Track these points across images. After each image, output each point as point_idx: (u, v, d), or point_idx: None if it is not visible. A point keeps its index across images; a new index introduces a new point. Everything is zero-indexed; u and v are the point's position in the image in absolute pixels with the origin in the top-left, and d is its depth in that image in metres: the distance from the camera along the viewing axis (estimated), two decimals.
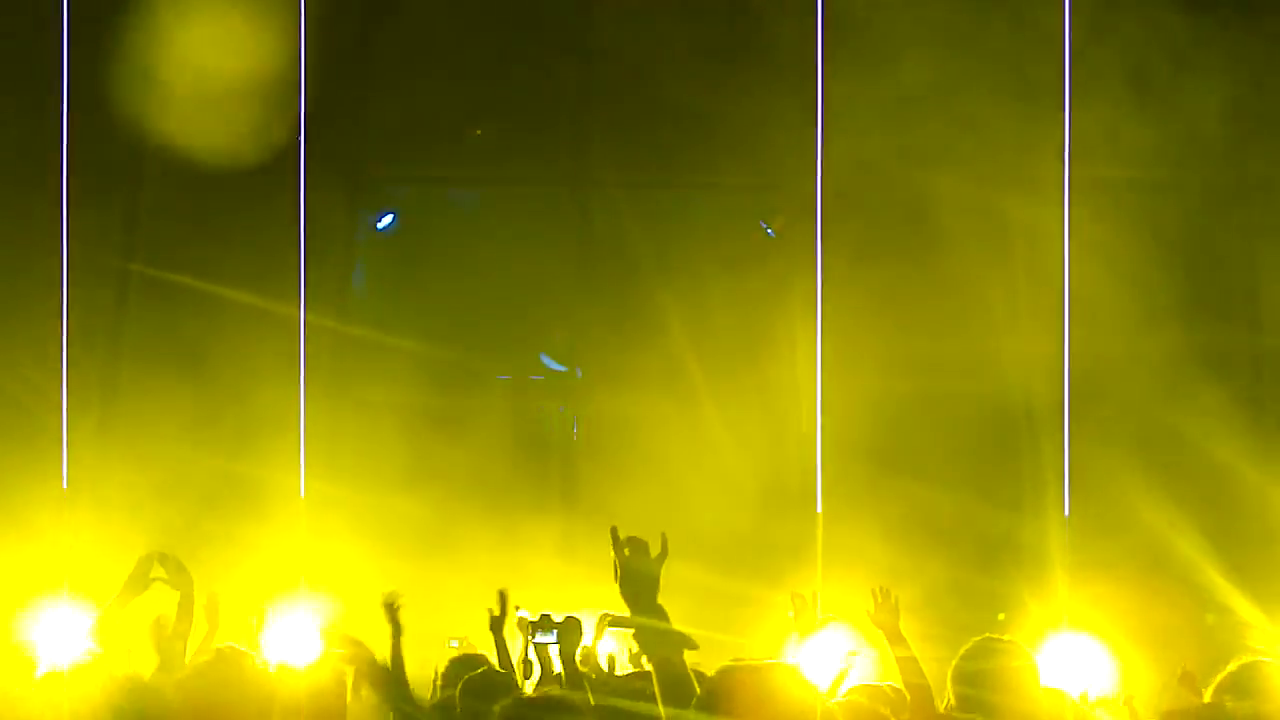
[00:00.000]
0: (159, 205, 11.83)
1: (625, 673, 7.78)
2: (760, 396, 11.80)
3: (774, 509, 11.45)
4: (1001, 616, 11.12)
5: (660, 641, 4.36)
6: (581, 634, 6.76)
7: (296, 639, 10.09)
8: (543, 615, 7.02)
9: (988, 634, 5.16)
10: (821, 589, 8.56)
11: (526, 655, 7.26)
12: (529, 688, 6.98)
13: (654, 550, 4.31)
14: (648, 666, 7.42)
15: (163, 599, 6.95)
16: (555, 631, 6.71)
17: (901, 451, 11.49)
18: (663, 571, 4.33)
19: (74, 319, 11.20)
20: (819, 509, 11.09)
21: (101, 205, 11.62)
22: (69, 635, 8.60)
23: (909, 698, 5.84)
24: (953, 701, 5.09)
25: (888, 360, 11.32)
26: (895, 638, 6.04)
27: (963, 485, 11.36)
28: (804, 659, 7.01)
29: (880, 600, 6.12)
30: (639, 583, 4.28)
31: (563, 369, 12.58)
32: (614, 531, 4.28)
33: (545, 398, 12.60)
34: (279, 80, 11.50)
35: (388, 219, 12.78)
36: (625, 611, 6.34)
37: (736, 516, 11.19)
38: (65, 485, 10.96)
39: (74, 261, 11.23)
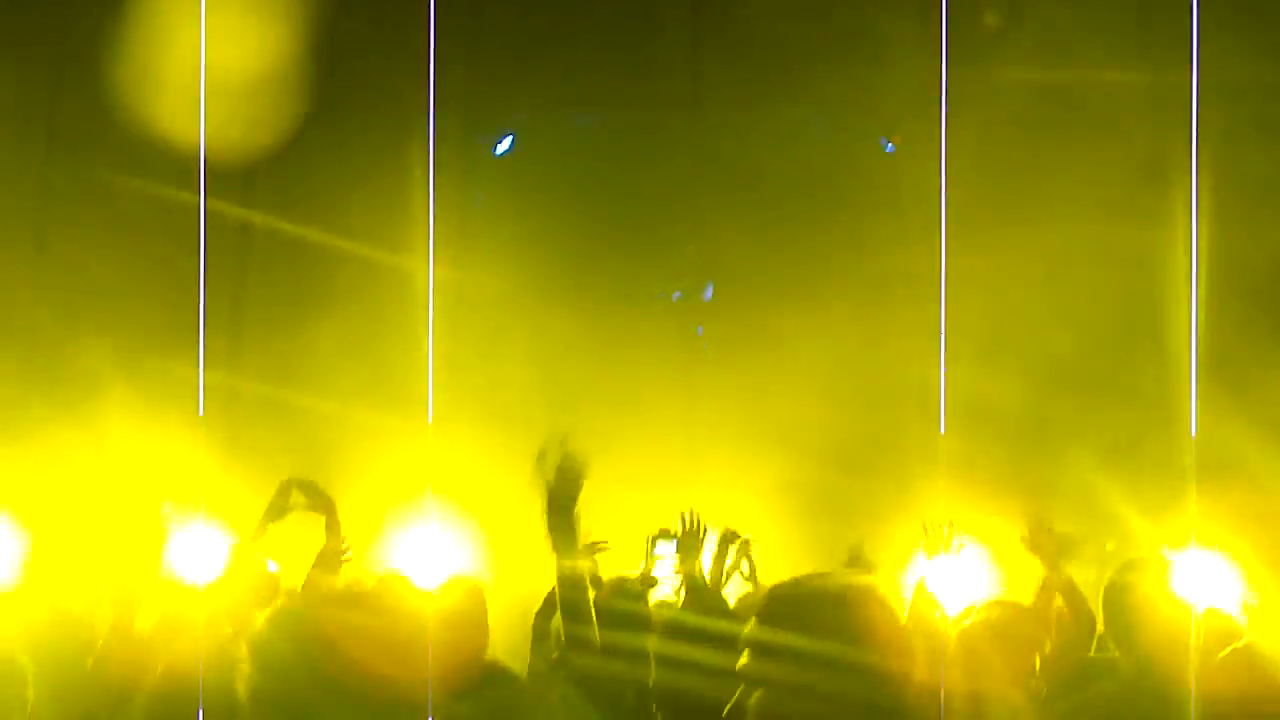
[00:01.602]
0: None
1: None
2: (888, 308, 11.87)
3: (899, 418, 11.52)
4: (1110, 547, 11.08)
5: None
6: (702, 543, 6.84)
7: (426, 559, 10.30)
8: (661, 529, 7.11)
9: (1132, 555, 5.23)
10: (948, 507, 8.62)
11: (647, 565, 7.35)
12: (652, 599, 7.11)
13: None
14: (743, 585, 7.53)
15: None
16: (676, 542, 6.79)
17: (1023, 355, 11.49)
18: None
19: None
20: (942, 430, 11.09)
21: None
22: (212, 559, 8.84)
23: (1069, 618, 5.94)
24: (1101, 627, 5.17)
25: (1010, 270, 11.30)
26: (1053, 565, 6.18)
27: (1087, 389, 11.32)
28: (933, 578, 7.08)
29: (1038, 528, 6.26)
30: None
31: (677, 295, 12.65)
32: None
33: (671, 318, 12.68)
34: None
35: (506, 142, 12.87)
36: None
37: (865, 423, 11.28)
38: (201, 412, 11.20)
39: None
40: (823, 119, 12.78)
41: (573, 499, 5.18)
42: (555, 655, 5.78)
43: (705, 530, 6.74)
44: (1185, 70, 11.08)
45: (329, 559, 6.97)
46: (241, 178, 12.05)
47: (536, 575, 6.37)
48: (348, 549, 7.21)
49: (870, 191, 12.15)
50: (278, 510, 7.18)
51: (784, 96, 12.43)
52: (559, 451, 5.41)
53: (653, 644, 5.76)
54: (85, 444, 11.27)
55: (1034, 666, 6.01)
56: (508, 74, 12.53)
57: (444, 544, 10.67)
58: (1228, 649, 4.67)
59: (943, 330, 11.24)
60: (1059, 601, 6.60)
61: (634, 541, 8.06)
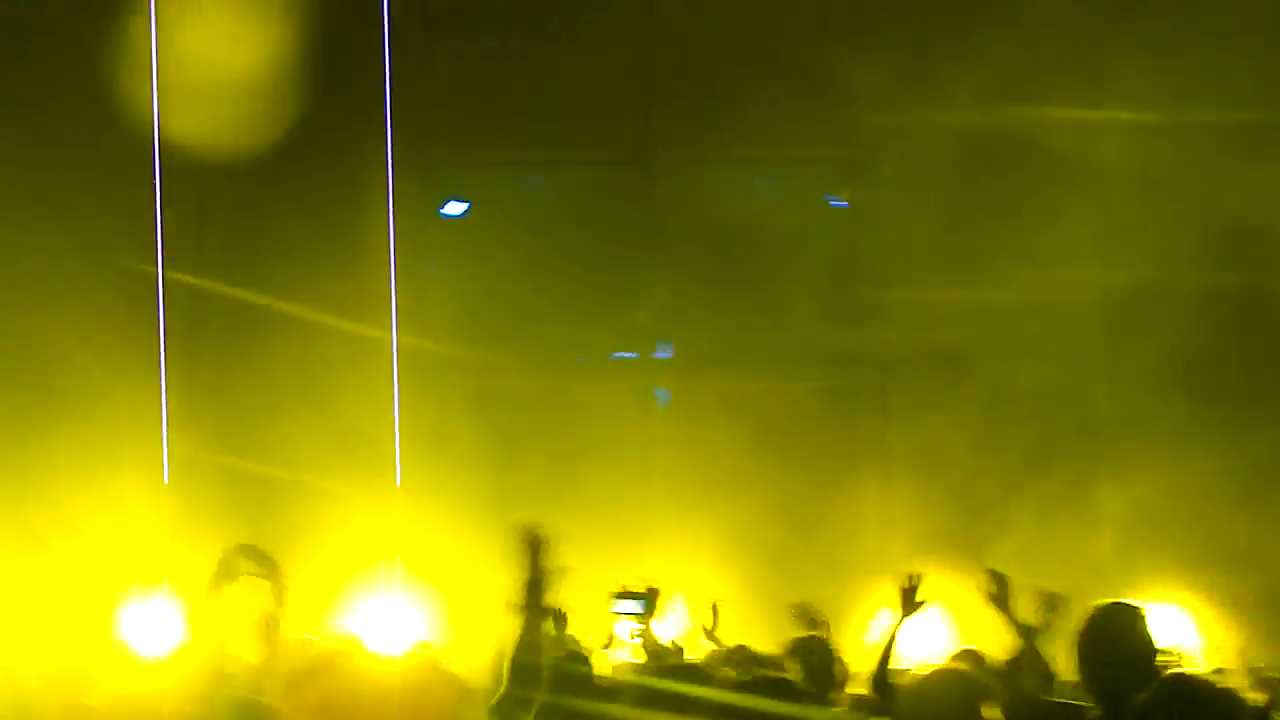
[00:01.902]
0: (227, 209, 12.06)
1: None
2: (835, 368, 11.95)
3: (852, 473, 11.59)
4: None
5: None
6: (657, 603, 6.84)
7: (385, 626, 10.27)
8: (623, 587, 7.09)
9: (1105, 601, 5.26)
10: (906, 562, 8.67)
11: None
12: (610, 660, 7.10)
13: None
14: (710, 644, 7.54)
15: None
16: (643, 601, 6.78)
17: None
18: None
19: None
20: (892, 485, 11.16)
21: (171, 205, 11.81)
22: (165, 626, 8.79)
23: (1023, 665, 6.00)
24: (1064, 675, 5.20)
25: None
26: (1011, 617, 6.27)
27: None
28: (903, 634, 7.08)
29: (996, 582, 6.33)
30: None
31: (634, 356, 12.67)
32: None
33: (625, 378, 12.70)
34: (339, 71, 11.68)
35: (457, 205, 12.90)
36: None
37: (816, 480, 11.34)
38: (166, 480, 11.17)
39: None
40: (772, 176, 12.86)
41: (544, 571, 5.27)
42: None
43: (659, 592, 6.75)
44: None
45: (272, 626, 6.93)
46: (194, 243, 12.05)
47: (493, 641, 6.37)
48: (287, 615, 7.18)
49: (821, 247, 12.22)
50: (224, 575, 7.12)
51: (733, 154, 12.51)
52: (531, 527, 5.49)
53: (616, 709, 5.76)
54: (42, 516, 11.23)
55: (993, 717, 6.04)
56: (458, 136, 12.58)
57: (405, 610, 10.65)
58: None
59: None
60: (1018, 650, 6.64)
61: (592, 604, 8.06)
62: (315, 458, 11.27)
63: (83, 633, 7.11)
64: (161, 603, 10.54)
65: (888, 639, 6.36)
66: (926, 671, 6.07)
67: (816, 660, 6.24)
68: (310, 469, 11.25)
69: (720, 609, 8.62)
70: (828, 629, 7.41)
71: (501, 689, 5.73)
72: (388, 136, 11.55)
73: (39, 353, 11.78)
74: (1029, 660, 6.45)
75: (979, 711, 3.62)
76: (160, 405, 11.32)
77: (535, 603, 5.54)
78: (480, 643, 6.72)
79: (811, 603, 7.83)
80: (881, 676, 6.07)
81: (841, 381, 12.05)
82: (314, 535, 10.78)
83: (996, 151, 11.64)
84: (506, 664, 5.71)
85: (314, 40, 11.65)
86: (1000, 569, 6.50)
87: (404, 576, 10.77)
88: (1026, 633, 6.54)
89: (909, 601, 6.54)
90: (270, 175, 11.77)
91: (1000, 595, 6.52)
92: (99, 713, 6.29)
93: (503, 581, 6.33)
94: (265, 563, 6.91)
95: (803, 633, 6.82)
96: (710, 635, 8.50)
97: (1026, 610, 6.46)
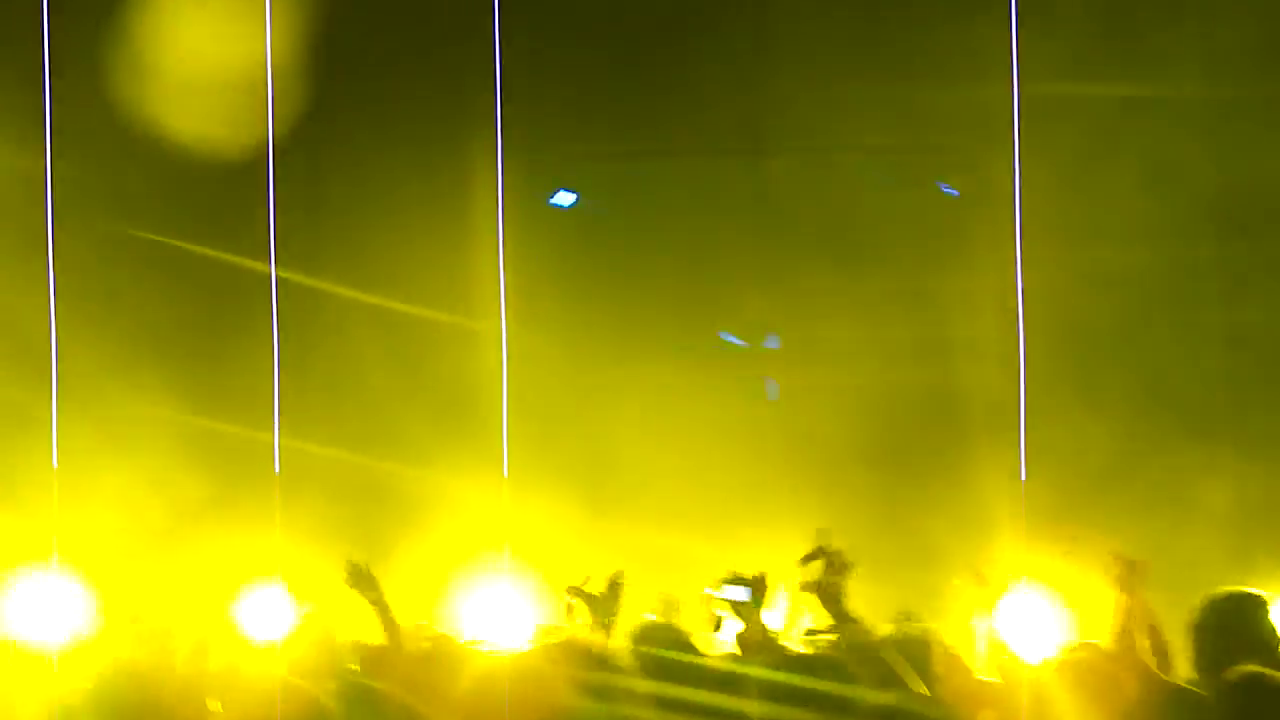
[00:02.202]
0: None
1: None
2: (947, 357, 11.83)
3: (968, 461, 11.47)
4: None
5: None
6: (767, 590, 6.79)
7: (496, 616, 10.32)
8: (731, 573, 7.05)
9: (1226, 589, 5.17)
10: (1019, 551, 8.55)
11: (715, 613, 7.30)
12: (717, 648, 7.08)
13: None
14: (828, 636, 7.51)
15: None
16: (750, 588, 6.74)
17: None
18: None
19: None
20: (1023, 476, 10.99)
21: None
22: (280, 613, 8.90)
23: (1150, 658, 5.90)
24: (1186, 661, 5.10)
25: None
26: (1136, 600, 6.13)
27: None
28: (1002, 626, 7.01)
29: (1125, 567, 6.20)
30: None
31: (744, 344, 12.65)
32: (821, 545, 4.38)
33: (734, 368, 12.68)
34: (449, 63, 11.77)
35: (566, 196, 12.93)
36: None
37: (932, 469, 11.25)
38: (277, 470, 11.32)
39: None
40: (882, 165, 12.76)
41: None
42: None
43: (766, 580, 6.70)
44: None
45: (385, 614, 7.01)
46: (307, 237, 12.18)
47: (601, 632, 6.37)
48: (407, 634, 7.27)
49: (934, 237, 12.10)
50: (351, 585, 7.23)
51: (842, 143, 12.43)
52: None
53: (714, 698, 5.75)
54: (159, 503, 11.41)
55: (1123, 708, 5.95)
56: (567, 127, 12.60)
57: (519, 602, 10.69)
58: None
59: (1023, 379, 11.17)
60: (1142, 638, 6.52)
61: (693, 595, 8.04)
62: (423, 449, 11.36)
63: (200, 621, 7.23)
64: (276, 591, 10.67)
65: (987, 633, 6.29)
66: (1056, 663, 6.00)
67: (919, 653, 6.19)
68: (418, 460, 11.34)
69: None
70: (933, 622, 7.34)
71: (610, 679, 5.73)
72: (498, 128, 11.61)
73: (141, 349, 11.98)
74: (1151, 647, 6.33)
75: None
76: (273, 398, 11.46)
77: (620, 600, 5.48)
78: (587, 633, 6.73)
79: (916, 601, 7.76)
80: (992, 669, 6.00)
81: (954, 374, 11.94)
82: (423, 526, 10.87)
83: (1109, 139, 11.48)
84: (617, 654, 5.71)
85: (425, 34, 11.75)
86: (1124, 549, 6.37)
87: (513, 566, 10.81)
88: (1148, 618, 6.40)
89: (988, 593, 6.48)
90: (380, 168, 11.87)
91: (1128, 580, 6.37)
92: (212, 690, 6.38)
93: (610, 571, 6.34)
94: (365, 580, 7.00)
95: (911, 627, 6.77)
96: (814, 631, 8.42)
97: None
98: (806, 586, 6.07)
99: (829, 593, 5.90)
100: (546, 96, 12.36)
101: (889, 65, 11.82)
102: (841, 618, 5.80)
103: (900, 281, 11.86)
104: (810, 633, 8.11)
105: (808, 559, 4.74)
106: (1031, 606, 7.25)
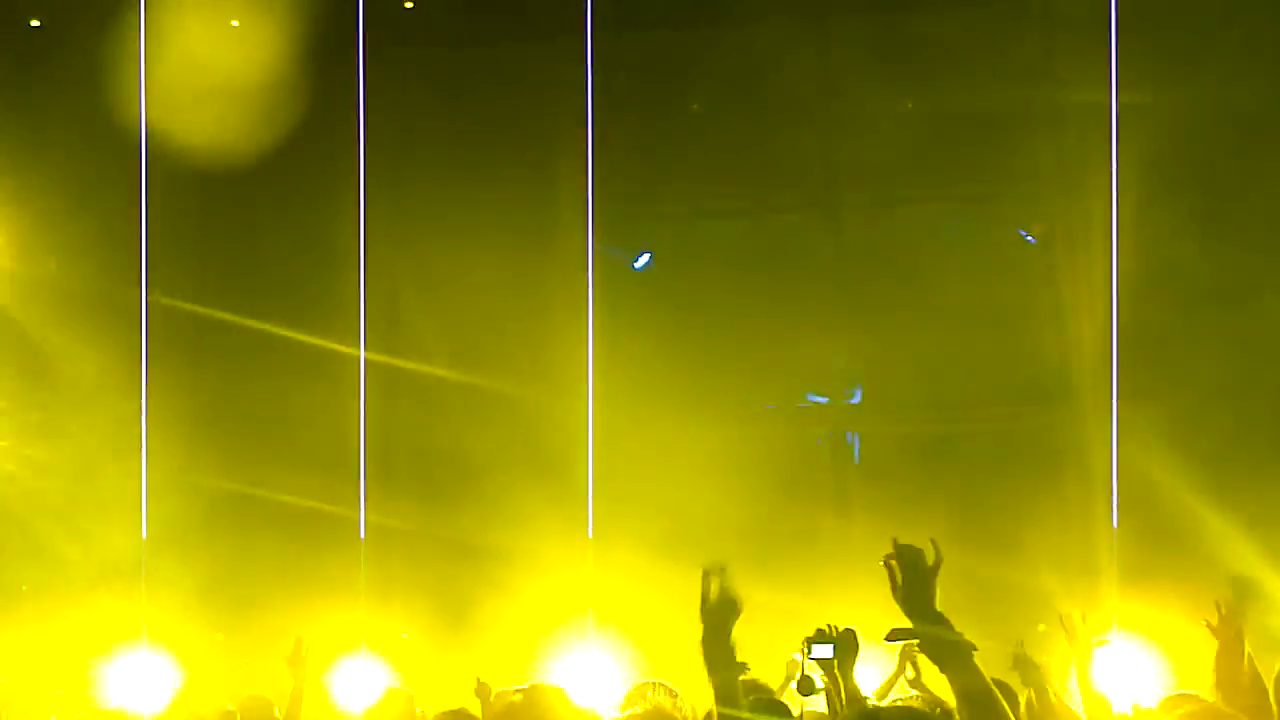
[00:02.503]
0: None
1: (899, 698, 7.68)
2: (1030, 408, 11.68)
3: (1062, 520, 11.29)
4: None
5: (949, 652, 4.21)
6: (859, 647, 6.68)
7: (586, 676, 10.26)
8: (818, 630, 6.95)
9: None
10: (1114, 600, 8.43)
11: (802, 670, 7.19)
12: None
13: (929, 558, 4.19)
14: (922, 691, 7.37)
15: None
16: (833, 645, 6.63)
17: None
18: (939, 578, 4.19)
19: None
20: (1115, 524, 10.82)
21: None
22: (363, 680, 8.88)
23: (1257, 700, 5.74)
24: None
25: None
26: (1238, 649, 5.95)
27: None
28: (1097, 678, 6.87)
29: (1226, 611, 6.04)
30: (916, 591, 4.19)
31: (824, 400, 12.56)
32: (894, 541, 4.17)
33: (816, 424, 12.59)
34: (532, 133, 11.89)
35: (644, 258, 12.93)
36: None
37: (1025, 529, 11.07)
38: (363, 536, 11.36)
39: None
40: (960, 214, 12.66)
41: (729, 620, 5.03)
42: None
43: (854, 637, 6.59)
44: None
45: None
46: (385, 319, 12.29)
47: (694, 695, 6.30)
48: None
49: (1017, 285, 11.97)
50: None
51: (919, 193, 12.35)
52: (718, 574, 5.31)
53: None
54: (245, 571, 11.49)
55: None
56: (643, 189, 12.62)
57: (604, 660, 10.64)
58: None
59: (1114, 424, 11.03)
60: (1247, 684, 6.36)
61: (781, 655, 7.93)
62: (511, 513, 11.35)
63: (289, 690, 7.27)
64: (359, 659, 10.71)
65: (1084, 684, 6.16)
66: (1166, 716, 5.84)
67: (1012, 703, 6.05)
68: (505, 525, 11.33)
69: (919, 656, 8.42)
70: (1041, 673, 7.19)
71: None
72: (589, 193, 11.69)
73: (237, 418, 12.09)
74: (1254, 693, 6.15)
75: None
76: (359, 470, 11.56)
77: (727, 649, 5.41)
78: (679, 692, 6.66)
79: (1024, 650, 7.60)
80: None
81: (1039, 419, 11.78)
82: (511, 589, 10.85)
83: (1186, 181, 11.34)
84: (704, 713, 5.61)
85: (512, 109, 11.90)
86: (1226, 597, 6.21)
87: (600, 626, 10.78)
88: (1247, 663, 6.24)
89: (1084, 639, 6.35)
90: (466, 243, 11.92)
91: (1224, 624, 6.20)
92: None
93: (695, 629, 6.26)
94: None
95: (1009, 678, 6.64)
96: (916, 683, 8.28)
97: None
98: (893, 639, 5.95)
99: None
100: (618, 161, 12.40)
101: (959, 116, 11.76)
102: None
103: (982, 330, 11.72)
104: (909, 686, 8.00)
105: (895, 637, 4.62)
106: (1126, 655, 7.13)
